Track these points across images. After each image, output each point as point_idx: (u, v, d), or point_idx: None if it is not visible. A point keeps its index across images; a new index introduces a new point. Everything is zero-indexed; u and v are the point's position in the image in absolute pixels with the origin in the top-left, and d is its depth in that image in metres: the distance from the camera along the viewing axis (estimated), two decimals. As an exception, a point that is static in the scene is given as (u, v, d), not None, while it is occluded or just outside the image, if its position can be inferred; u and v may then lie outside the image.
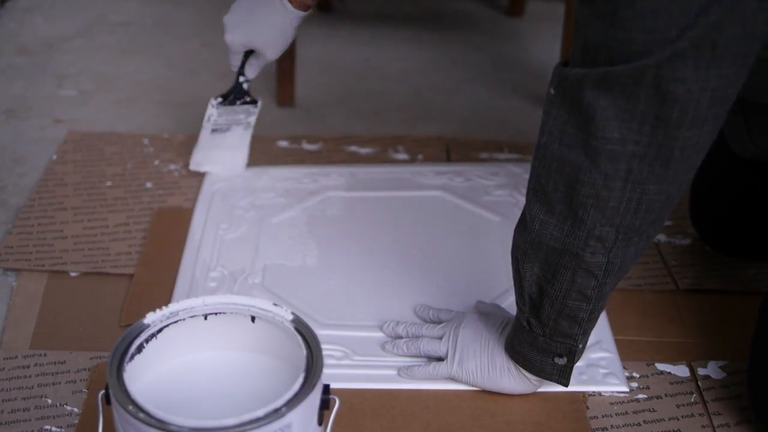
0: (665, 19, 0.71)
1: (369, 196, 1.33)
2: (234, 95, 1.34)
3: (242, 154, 1.38)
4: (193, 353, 0.88)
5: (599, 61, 0.76)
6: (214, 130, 1.35)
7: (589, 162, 0.80)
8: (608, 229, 0.83)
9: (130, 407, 0.75)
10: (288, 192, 1.34)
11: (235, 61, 1.30)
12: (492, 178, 1.37)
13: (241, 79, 1.33)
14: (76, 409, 0.98)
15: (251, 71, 1.32)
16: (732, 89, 0.75)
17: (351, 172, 1.39)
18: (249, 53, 1.29)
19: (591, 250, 0.84)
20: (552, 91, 0.82)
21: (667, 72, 0.73)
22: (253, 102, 1.35)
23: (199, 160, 1.38)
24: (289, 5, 1.21)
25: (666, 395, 1.02)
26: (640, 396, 1.02)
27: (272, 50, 1.26)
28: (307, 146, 1.47)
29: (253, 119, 1.36)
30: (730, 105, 0.77)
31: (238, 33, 1.25)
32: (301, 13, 1.22)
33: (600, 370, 1.03)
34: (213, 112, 1.34)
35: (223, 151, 1.37)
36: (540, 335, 0.92)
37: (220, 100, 1.34)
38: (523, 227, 0.90)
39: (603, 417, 0.99)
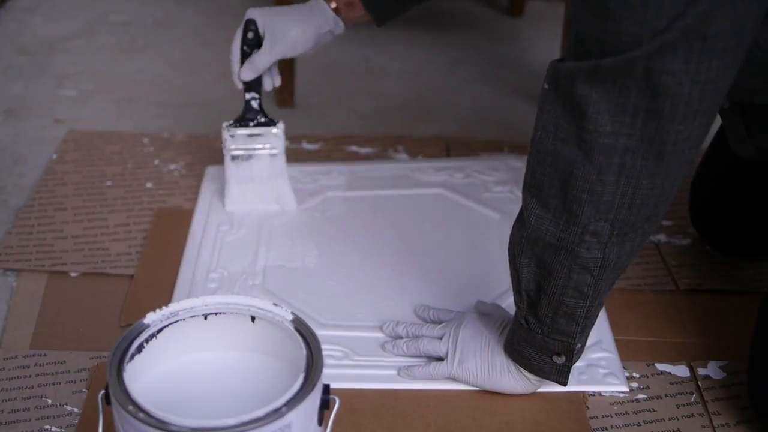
0: (654, 9, 0.71)
1: (369, 195, 1.33)
2: (245, 115, 1.23)
3: (281, 186, 1.27)
4: (193, 353, 0.88)
5: (591, 54, 0.76)
6: (233, 158, 1.24)
7: (583, 156, 0.80)
8: (603, 224, 0.83)
9: (130, 407, 0.75)
10: (288, 192, 1.34)
11: (237, 58, 1.20)
12: (492, 173, 1.37)
13: (248, 96, 1.23)
14: (76, 409, 0.98)
15: (265, 82, 1.23)
16: (723, 83, 0.75)
17: (351, 170, 1.38)
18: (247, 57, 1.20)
19: (586, 246, 0.84)
20: (546, 86, 0.82)
21: (657, 64, 0.73)
22: (271, 122, 1.24)
23: (233, 198, 1.27)
24: (332, 12, 1.18)
25: (666, 395, 1.02)
26: (640, 396, 1.02)
27: (286, 40, 1.18)
28: (307, 146, 1.47)
29: (278, 145, 1.25)
30: (721, 99, 0.77)
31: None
32: (340, 23, 1.19)
33: (600, 370, 1.03)
34: (226, 136, 1.24)
35: (254, 184, 1.26)
36: (538, 333, 0.92)
37: (231, 122, 1.24)
38: (520, 223, 0.90)
39: (603, 417, 0.99)
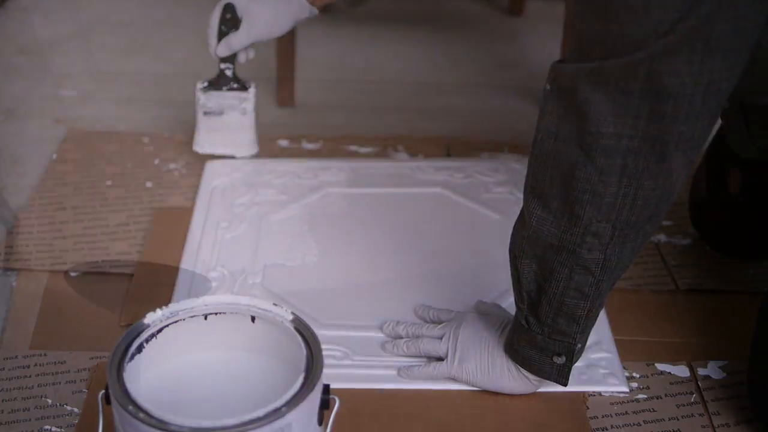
0: (658, 12, 0.71)
1: (369, 192, 1.33)
2: (219, 81, 1.34)
3: (247, 135, 1.37)
4: (193, 353, 0.88)
5: (594, 56, 0.76)
6: (206, 113, 1.35)
7: (585, 157, 0.80)
8: (604, 225, 0.83)
9: (130, 407, 0.75)
10: (288, 188, 1.33)
11: (214, 33, 1.30)
12: (492, 174, 1.37)
13: (223, 66, 1.33)
14: (76, 409, 0.98)
15: (240, 55, 1.32)
16: (726, 83, 0.75)
17: (351, 166, 1.39)
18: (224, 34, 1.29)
19: (587, 247, 0.84)
20: (548, 87, 0.82)
21: (660, 66, 0.73)
22: (243, 88, 1.35)
23: (201, 142, 1.37)
24: (306, 2, 1.25)
25: (666, 395, 1.02)
26: (640, 396, 1.02)
27: (263, 25, 1.27)
28: (307, 146, 1.47)
29: (248, 105, 1.35)
30: (724, 100, 0.77)
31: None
32: (314, 10, 1.26)
33: (600, 370, 1.03)
34: (200, 96, 1.34)
35: (223, 133, 1.36)
36: (538, 334, 0.92)
37: (205, 84, 1.35)
38: (521, 224, 0.90)
39: (603, 417, 0.99)
